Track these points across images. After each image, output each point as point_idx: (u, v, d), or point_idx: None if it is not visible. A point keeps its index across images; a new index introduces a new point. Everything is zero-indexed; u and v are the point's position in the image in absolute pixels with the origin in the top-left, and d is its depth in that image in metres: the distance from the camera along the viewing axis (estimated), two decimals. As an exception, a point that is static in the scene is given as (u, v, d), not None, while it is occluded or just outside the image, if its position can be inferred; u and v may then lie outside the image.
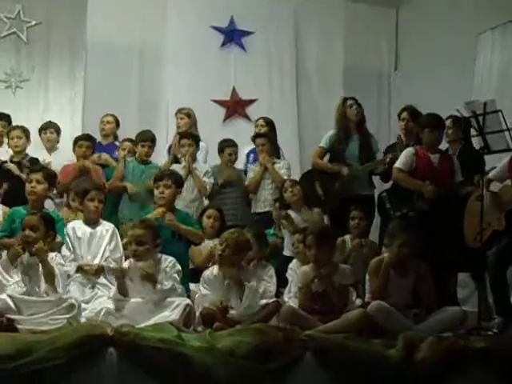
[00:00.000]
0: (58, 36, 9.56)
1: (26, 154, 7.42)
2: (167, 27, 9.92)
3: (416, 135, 7.20)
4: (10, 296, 4.97)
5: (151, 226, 5.50)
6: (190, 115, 8.30)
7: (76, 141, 7.61)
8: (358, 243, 6.63)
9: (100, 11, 9.41)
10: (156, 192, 6.34)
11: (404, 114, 7.59)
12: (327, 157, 7.74)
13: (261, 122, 8.44)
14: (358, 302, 5.48)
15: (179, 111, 8.36)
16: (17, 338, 4.43)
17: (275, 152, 8.06)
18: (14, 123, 7.89)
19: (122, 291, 5.24)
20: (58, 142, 7.97)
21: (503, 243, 6.03)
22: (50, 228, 5.39)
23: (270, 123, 8.41)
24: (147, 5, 9.91)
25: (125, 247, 5.88)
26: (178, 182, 6.51)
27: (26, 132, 7.51)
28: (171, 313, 5.10)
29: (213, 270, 5.58)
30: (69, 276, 5.58)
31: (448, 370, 4.67)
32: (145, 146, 7.52)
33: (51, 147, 7.90)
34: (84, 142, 7.55)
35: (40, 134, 7.94)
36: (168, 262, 5.45)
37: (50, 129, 7.96)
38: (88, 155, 7.43)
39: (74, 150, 7.58)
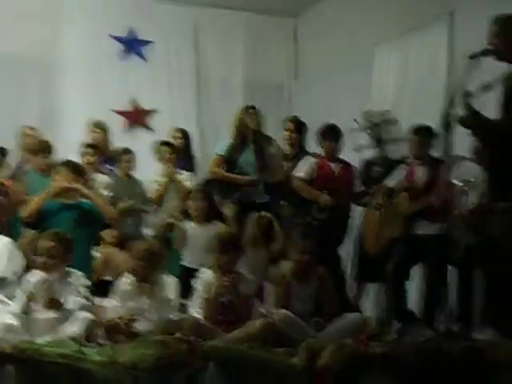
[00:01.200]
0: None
1: None
2: (64, 37, 9.97)
3: (299, 145, 7.50)
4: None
5: (64, 239, 5.45)
6: (104, 129, 8.47)
7: None
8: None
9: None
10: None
11: (289, 125, 7.68)
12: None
13: (177, 133, 8.60)
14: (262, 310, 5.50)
15: (93, 125, 8.44)
16: None
17: (188, 164, 8.25)
18: None
19: (27, 310, 5.19)
20: None
21: (400, 250, 6.33)
22: None
23: (186, 135, 8.62)
24: (43, 14, 9.88)
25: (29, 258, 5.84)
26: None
27: None
28: (73, 327, 5.05)
29: (127, 282, 5.61)
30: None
31: (350, 376, 4.67)
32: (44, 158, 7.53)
33: None
34: None
35: None
36: (75, 275, 5.41)
37: None
38: None
39: None
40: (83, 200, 6.65)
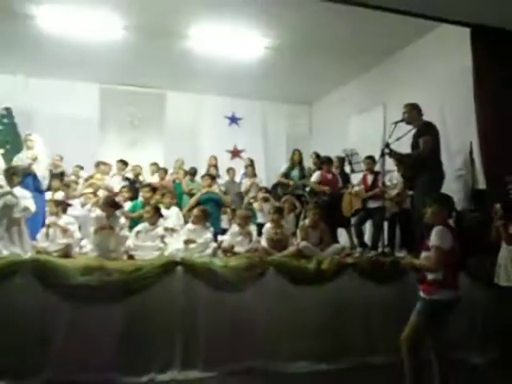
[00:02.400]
0: (150, 124, 10.12)
1: None
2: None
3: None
4: (133, 243, 5.45)
5: (207, 211, 5.75)
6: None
7: None
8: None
9: None
10: None
11: (313, 157, 7.84)
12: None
13: (248, 161, 8.68)
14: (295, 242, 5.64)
15: (212, 158, 8.88)
16: (135, 263, 4.85)
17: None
18: None
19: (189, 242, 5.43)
20: None
21: (360, 214, 6.49)
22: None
23: (252, 162, 8.65)
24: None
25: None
26: None
27: None
28: (208, 250, 5.42)
29: (236, 229, 5.75)
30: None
31: (336, 273, 4.97)
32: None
33: None
34: None
35: None
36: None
37: None
38: None
39: None
40: (214, 193, 7.15)
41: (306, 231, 5.56)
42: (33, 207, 5.05)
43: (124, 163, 8.48)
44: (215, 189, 7.21)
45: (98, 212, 5.63)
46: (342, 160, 7.34)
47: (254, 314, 4.53)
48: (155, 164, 8.93)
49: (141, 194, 6.86)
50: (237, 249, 5.48)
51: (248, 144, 10.52)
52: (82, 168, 8.43)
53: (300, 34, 7.24)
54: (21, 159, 6.67)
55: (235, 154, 10.59)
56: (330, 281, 4.86)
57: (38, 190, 6.27)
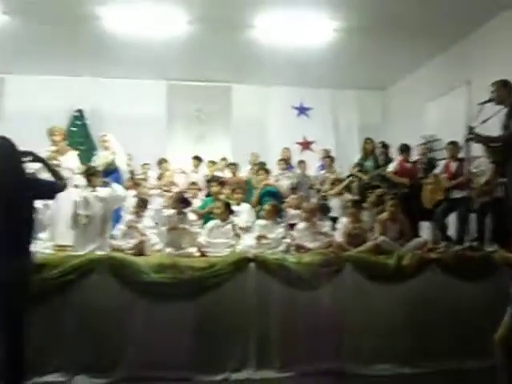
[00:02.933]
0: (216, 118, 10.29)
1: None
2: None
3: (387, 156, 7.46)
4: (204, 240, 5.54)
5: (276, 205, 5.89)
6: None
7: None
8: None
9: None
10: None
11: (381, 148, 7.63)
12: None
13: (325, 152, 8.66)
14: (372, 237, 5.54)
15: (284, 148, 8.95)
16: (208, 260, 4.97)
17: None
18: None
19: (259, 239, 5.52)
20: None
21: (443, 206, 6.23)
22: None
23: (328, 152, 8.64)
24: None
25: None
26: None
27: None
28: (281, 246, 5.46)
29: (302, 225, 5.75)
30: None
31: (418, 269, 4.88)
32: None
33: None
34: None
35: None
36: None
37: None
38: None
39: None
40: (271, 186, 7.30)
41: (385, 225, 5.46)
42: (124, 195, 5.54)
43: (199, 159, 8.61)
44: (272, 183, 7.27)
45: (169, 211, 5.77)
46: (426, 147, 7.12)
47: (330, 313, 4.50)
48: (225, 159, 9.03)
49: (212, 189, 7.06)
50: (306, 244, 5.49)
51: (318, 135, 10.44)
52: (148, 167, 8.67)
53: (370, 14, 7.00)
54: (100, 159, 7.00)
55: (305, 145, 10.54)
56: (411, 277, 4.76)
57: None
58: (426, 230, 6.69)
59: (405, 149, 7.05)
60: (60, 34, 7.78)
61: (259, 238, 5.45)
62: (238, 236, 5.60)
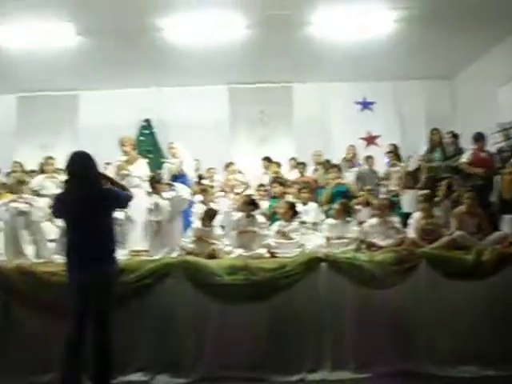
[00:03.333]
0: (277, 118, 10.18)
1: None
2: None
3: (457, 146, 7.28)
4: (274, 241, 5.56)
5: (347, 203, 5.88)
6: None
7: None
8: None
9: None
10: None
11: (450, 137, 7.53)
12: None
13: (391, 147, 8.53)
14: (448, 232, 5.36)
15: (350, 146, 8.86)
16: (278, 260, 5.00)
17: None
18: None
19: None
20: None
21: None
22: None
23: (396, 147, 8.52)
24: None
25: None
26: None
27: None
28: (351, 246, 5.40)
29: (373, 221, 5.73)
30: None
31: (499, 264, 4.65)
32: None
33: None
34: None
35: None
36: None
37: None
38: None
39: None
40: (342, 185, 7.19)
41: (461, 219, 5.32)
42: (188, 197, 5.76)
43: (269, 161, 8.65)
44: (342, 180, 7.25)
45: (238, 214, 5.86)
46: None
47: (405, 312, 4.44)
48: (293, 159, 9.02)
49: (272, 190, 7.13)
50: (378, 242, 5.42)
51: (383, 129, 10.20)
52: (214, 171, 8.80)
53: (431, 1, 6.78)
54: (170, 168, 7.24)
55: (370, 140, 10.33)
56: (491, 274, 4.56)
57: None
58: (506, 223, 6.27)
59: (479, 138, 6.80)
60: (125, 47, 8.08)
61: (329, 237, 5.44)
62: (305, 235, 5.66)
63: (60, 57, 8.23)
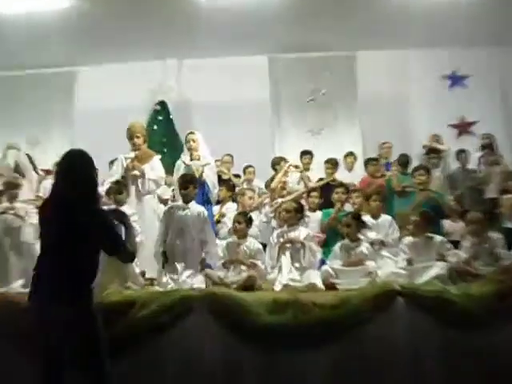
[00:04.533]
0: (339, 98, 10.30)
1: None
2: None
3: None
4: (331, 268, 5.53)
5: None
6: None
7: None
8: None
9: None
10: None
11: None
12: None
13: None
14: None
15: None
16: (338, 294, 4.98)
17: None
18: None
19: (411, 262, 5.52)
20: None
21: None
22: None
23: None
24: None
25: None
26: None
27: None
28: (436, 272, 5.31)
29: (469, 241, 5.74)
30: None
31: None
32: None
33: None
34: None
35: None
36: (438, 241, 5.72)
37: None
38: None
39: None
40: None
41: None
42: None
43: (335, 163, 8.60)
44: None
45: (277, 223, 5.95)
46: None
47: (507, 362, 4.40)
48: (351, 154, 9.00)
49: (334, 197, 7.02)
50: (474, 269, 5.42)
51: (481, 113, 10.06)
52: (254, 169, 8.82)
53: None
54: (183, 165, 7.11)
55: (463, 128, 10.25)
56: None
57: (206, 202, 6.75)
58: None
59: None
60: (135, 8, 8.24)
61: (408, 261, 5.43)
62: (377, 259, 5.66)
63: (51, 23, 8.34)
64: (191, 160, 7.01)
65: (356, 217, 5.96)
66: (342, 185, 7.45)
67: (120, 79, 9.89)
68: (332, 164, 8.51)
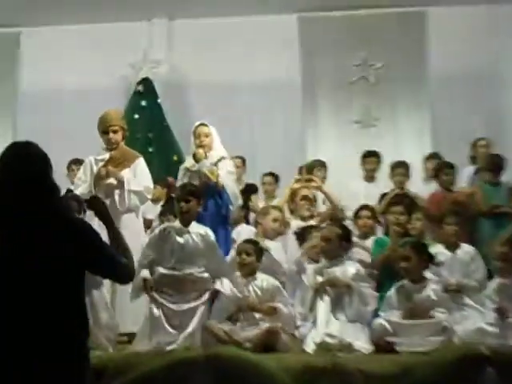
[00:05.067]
0: (400, 75, 10.36)
1: None
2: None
3: None
4: (387, 321, 5.51)
5: None
6: None
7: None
8: None
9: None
10: None
11: None
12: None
13: None
14: None
15: None
16: (397, 359, 4.99)
17: None
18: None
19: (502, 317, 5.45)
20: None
21: None
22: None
23: None
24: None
25: None
26: None
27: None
28: None
29: None
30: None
31: None
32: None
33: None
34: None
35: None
36: None
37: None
38: None
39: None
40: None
41: None
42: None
43: (406, 167, 8.56)
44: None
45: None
46: None
47: None
48: (435, 156, 8.90)
49: (390, 218, 6.98)
50: None
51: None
52: (276, 178, 8.81)
53: None
54: (188, 172, 7.15)
55: None
56: None
57: (221, 221, 6.93)
58: None
59: None
60: None
61: (499, 313, 5.37)
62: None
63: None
64: (196, 161, 7.03)
65: (419, 247, 5.92)
66: (404, 201, 7.35)
67: (86, 47, 10.03)
68: (404, 169, 8.50)
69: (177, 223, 6.01)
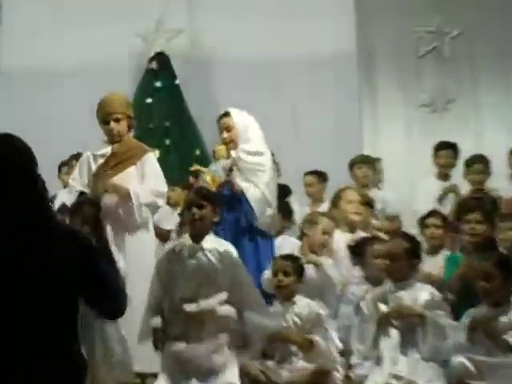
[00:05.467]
0: (483, 46, 10.37)
1: None
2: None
3: None
4: (469, 359, 5.45)
5: None
6: None
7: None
8: None
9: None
10: None
11: None
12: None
13: None
14: None
15: None
16: None
17: None
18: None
19: None
20: None
21: None
22: None
23: None
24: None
25: None
26: None
27: None
28: None
29: None
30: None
31: None
32: None
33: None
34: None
35: None
36: None
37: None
38: None
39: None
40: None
41: None
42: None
43: (485, 163, 8.55)
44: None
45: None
46: None
47: None
48: None
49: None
50: None
51: None
52: (323, 177, 8.91)
53: None
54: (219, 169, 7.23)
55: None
56: None
57: (244, 233, 6.95)
58: None
59: None
60: None
61: None
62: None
63: None
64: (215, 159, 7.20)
65: (505, 262, 5.84)
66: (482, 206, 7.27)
67: (84, 15, 10.16)
68: (483, 165, 8.51)
69: (187, 239, 6.00)
